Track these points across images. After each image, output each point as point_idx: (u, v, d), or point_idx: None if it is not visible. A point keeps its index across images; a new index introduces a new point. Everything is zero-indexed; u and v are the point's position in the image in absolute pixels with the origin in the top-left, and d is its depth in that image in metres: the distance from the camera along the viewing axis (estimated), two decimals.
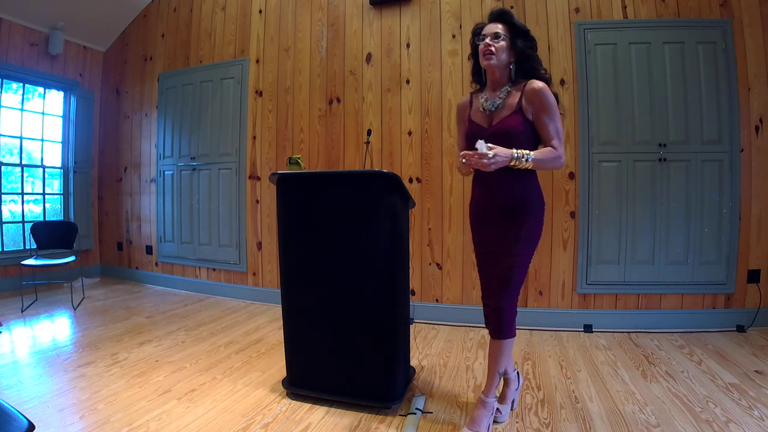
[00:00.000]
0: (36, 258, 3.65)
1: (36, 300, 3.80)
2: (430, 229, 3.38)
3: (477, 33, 1.72)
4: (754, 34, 2.98)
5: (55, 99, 4.67)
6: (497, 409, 1.79)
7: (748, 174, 2.99)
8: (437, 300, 3.36)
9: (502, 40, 1.64)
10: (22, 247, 4.36)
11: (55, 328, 3.14)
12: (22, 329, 3.06)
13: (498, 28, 1.65)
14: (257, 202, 3.97)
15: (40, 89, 4.52)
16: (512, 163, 1.55)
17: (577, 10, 3.15)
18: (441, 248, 3.35)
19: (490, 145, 1.54)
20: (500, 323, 1.70)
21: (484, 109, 1.72)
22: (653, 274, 3.06)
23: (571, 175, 3.14)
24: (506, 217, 1.66)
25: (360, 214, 1.94)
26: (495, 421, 1.78)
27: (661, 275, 3.05)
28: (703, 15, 3.02)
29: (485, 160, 1.51)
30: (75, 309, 3.61)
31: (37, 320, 3.28)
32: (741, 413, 1.85)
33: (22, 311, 3.47)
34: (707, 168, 3.01)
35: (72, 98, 4.70)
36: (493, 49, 1.63)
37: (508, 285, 1.68)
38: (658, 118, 3.04)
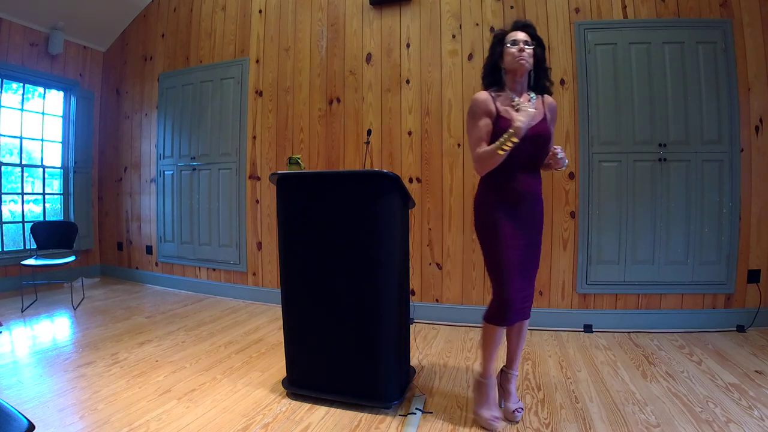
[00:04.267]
0: (36, 258, 3.65)
1: (36, 300, 3.80)
2: (430, 229, 3.38)
3: (501, 39, 1.81)
4: (754, 34, 2.98)
5: (55, 99, 4.67)
6: (517, 410, 1.87)
7: (748, 174, 2.99)
8: (437, 300, 3.36)
9: (530, 47, 1.75)
10: (22, 247, 4.36)
11: (55, 328, 3.14)
12: (22, 329, 3.06)
13: (526, 36, 1.76)
14: (257, 202, 3.97)
15: (40, 89, 4.52)
16: (563, 168, 1.77)
17: (577, 10, 3.15)
18: (441, 248, 3.35)
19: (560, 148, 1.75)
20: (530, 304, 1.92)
21: (518, 110, 1.74)
22: (653, 274, 3.06)
23: (571, 175, 3.14)
24: (535, 212, 1.85)
25: (360, 215, 1.94)
26: (514, 421, 1.85)
27: (661, 275, 3.05)
28: (703, 15, 3.02)
29: (563, 159, 1.72)
30: (75, 309, 3.61)
31: (37, 320, 3.28)
32: (741, 413, 1.85)
33: (22, 311, 3.47)
34: (707, 168, 3.01)
35: (72, 98, 4.70)
36: (527, 53, 1.74)
37: (537, 268, 1.91)
38: (658, 118, 3.04)
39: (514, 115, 1.67)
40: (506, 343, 1.96)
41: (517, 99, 1.77)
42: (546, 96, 1.84)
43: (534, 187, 1.82)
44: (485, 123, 1.76)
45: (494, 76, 1.84)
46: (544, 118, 1.80)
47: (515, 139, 1.63)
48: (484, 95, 1.80)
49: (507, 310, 1.77)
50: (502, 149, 1.65)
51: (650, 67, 3.05)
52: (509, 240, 1.77)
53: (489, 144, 1.74)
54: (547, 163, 1.82)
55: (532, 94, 1.81)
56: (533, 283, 1.91)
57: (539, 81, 1.82)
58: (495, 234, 1.79)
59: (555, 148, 1.72)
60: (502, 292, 1.77)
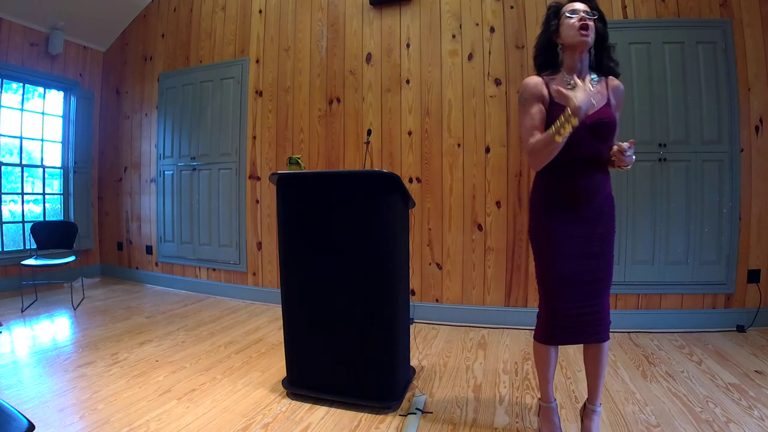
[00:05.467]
0: (36, 258, 3.65)
1: (36, 300, 3.80)
2: (430, 229, 3.38)
3: (556, 11, 1.59)
4: (754, 34, 2.98)
5: (55, 99, 4.67)
6: None
7: (748, 174, 2.98)
8: (437, 300, 3.36)
9: (592, 19, 1.50)
10: (22, 247, 4.36)
11: (55, 328, 3.14)
12: (22, 329, 3.06)
13: (586, 6, 1.52)
14: (257, 202, 3.97)
15: (40, 89, 4.52)
16: (629, 167, 1.49)
17: None
18: (441, 248, 3.35)
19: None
20: (607, 323, 1.60)
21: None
22: (653, 274, 3.06)
23: None
24: (602, 215, 1.58)
25: (360, 214, 1.95)
26: None
27: (661, 275, 3.05)
28: (703, 15, 3.02)
29: (630, 157, 1.44)
30: (75, 309, 3.61)
31: (37, 320, 3.28)
32: (741, 413, 1.85)
33: (22, 311, 3.47)
34: (707, 168, 3.01)
35: (72, 98, 4.70)
36: (590, 24, 1.48)
37: (609, 284, 1.61)
38: (658, 118, 3.04)
39: (569, 93, 1.39)
40: (584, 370, 1.71)
41: (574, 80, 1.50)
42: (611, 78, 1.60)
43: (598, 186, 1.55)
44: (538, 109, 1.53)
45: (548, 56, 1.60)
46: (608, 103, 1.54)
47: (575, 121, 1.36)
48: (535, 79, 1.58)
49: (550, 326, 1.57)
50: (560, 134, 1.39)
51: (650, 67, 3.05)
52: (562, 248, 1.55)
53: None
54: (611, 160, 1.54)
55: (594, 76, 1.57)
56: (600, 300, 1.58)
57: (602, 60, 1.58)
58: (546, 241, 1.58)
59: (622, 144, 1.46)
60: (545, 305, 1.59)
